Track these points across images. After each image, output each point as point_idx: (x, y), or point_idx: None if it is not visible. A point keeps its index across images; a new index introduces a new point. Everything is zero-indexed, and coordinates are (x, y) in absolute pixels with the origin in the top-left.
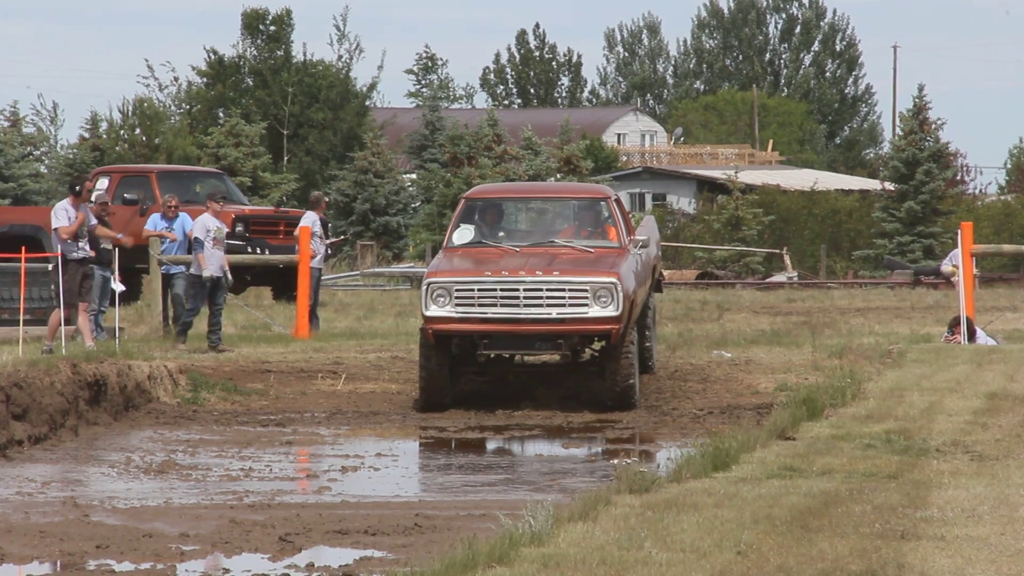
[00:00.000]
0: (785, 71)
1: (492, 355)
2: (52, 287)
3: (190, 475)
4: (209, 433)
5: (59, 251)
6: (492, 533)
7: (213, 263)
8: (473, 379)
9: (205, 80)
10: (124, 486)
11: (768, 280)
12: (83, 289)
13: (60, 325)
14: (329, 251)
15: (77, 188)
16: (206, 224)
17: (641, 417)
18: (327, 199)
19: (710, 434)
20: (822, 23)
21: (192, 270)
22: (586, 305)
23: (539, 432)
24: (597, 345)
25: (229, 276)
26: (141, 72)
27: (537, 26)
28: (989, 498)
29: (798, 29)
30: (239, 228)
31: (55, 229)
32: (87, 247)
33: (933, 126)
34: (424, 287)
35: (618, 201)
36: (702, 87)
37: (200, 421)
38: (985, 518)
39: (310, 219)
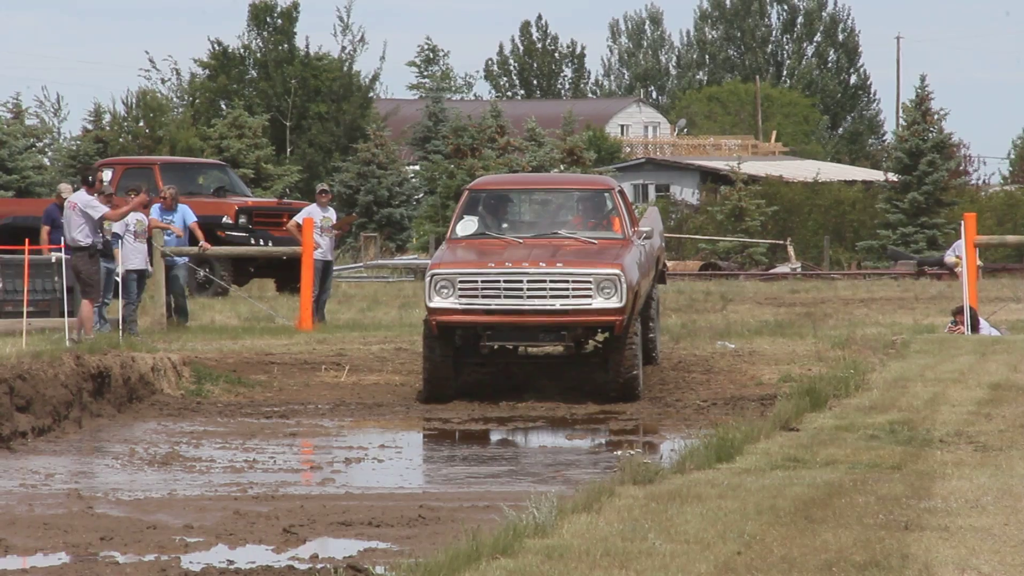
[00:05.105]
0: (788, 62)
1: (496, 346)
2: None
3: (194, 467)
4: (213, 425)
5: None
6: (496, 524)
7: (137, 257)
8: (477, 370)
9: (208, 72)
10: (128, 478)
11: (771, 271)
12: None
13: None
14: (334, 240)
15: (91, 179)
16: (125, 218)
17: (645, 408)
18: (330, 192)
19: (714, 425)
20: (824, 13)
21: (115, 265)
22: (590, 296)
23: (543, 423)
24: (601, 336)
25: (150, 268)
26: (143, 65)
27: (540, 17)
28: (993, 488)
29: (800, 20)
30: (242, 220)
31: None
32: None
33: (936, 117)
34: (428, 279)
35: (621, 192)
36: (705, 78)
37: (204, 413)
38: (989, 508)
39: (308, 211)
